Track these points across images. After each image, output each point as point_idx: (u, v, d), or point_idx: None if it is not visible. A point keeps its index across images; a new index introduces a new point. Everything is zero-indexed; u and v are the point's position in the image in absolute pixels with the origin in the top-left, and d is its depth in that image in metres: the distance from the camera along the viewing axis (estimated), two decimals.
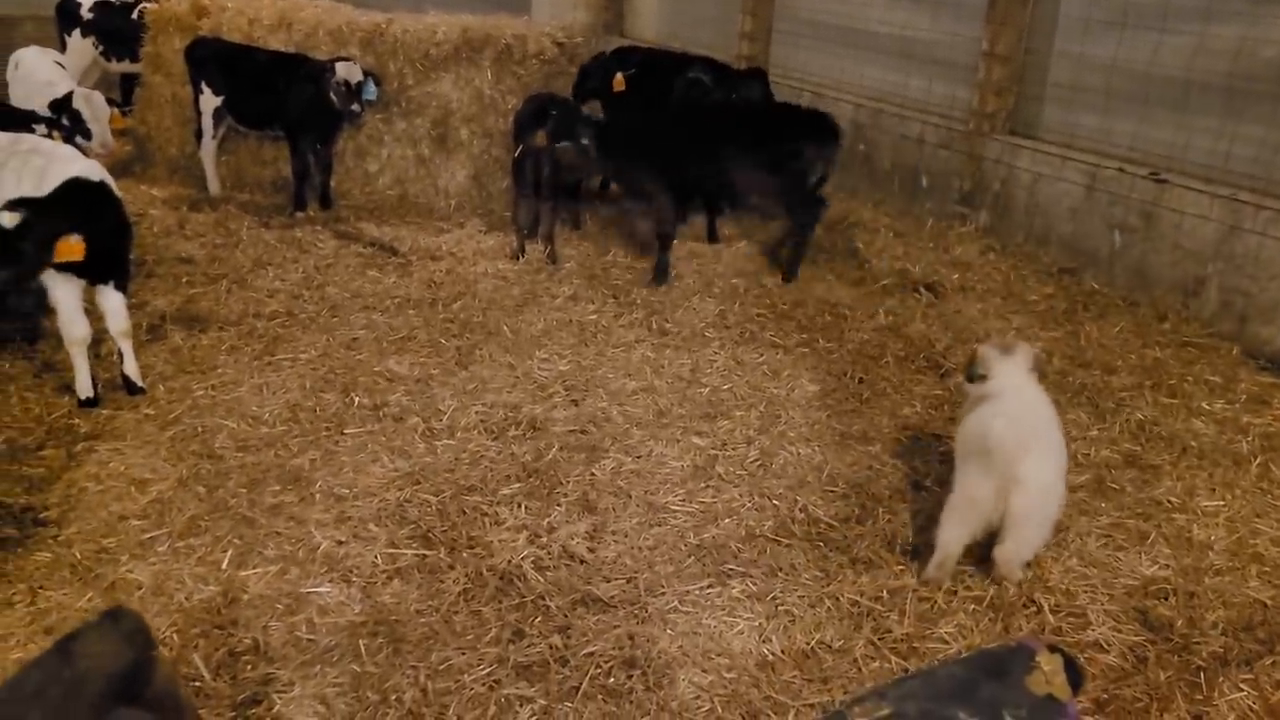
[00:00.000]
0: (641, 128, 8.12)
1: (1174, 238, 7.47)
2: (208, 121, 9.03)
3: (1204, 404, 6.14)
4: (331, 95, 8.30)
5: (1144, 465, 5.49)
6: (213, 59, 8.84)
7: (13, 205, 4.99)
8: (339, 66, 8.32)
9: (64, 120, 7.25)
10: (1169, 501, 5.15)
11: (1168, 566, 4.61)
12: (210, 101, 8.90)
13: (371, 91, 8.47)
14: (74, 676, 2.09)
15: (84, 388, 5.54)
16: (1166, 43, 7.75)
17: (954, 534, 4.33)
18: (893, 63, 10.31)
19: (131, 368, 5.71)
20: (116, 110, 7.59)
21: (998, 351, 4.71)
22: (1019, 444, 4.15)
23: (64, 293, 5.38)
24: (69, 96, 7.41)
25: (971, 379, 4.72)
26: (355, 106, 8.34)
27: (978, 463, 4.24)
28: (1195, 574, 4.58)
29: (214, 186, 9.31)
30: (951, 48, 9.59)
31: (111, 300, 5.58)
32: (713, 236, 8.79)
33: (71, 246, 5.16)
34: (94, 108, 7.40)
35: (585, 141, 7.51)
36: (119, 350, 5.70)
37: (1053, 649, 2.24)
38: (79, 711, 2.04)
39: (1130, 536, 4.84)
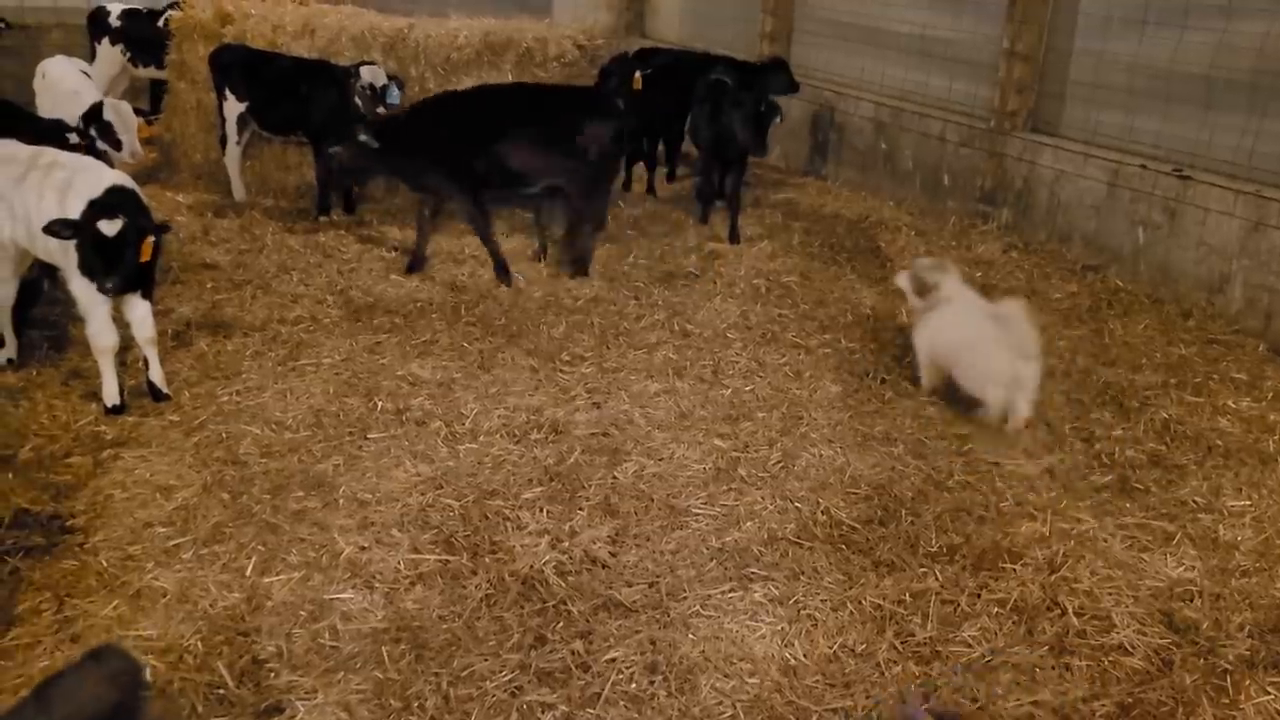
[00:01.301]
0: (418, 120, 7.75)
1: (1198, 234, 7.40)
2: (232, 127, 9.09)
3: (1230, 402, 6.09)
4: (356, 99, 8.34)
5: (1169, 465, 5.44)
6: (236, 65, 8.90)
7: (109, 213, 5.16)
8: (364, 70, 8.36)
9: (92, 131, 7.32)
10: (1195, 502, 5.10)
11: (1193, 568, 4.57)
12: (234, 108, 8.97)
13: (394, 95, 8.51)
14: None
15: (111, 395, 5.60)
16: (1188, 39, 7.68)
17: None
18: (914, 62, 10.28)
19: (157, 374, 5.77)
20: (142, 119, 7.68)
21: (932, 265, 6.17)
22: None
23: (94, 301, 5.44)
24: (99, 107, 7.48)
25: (923, 295, 6.05)
26: (380, 110, 8.34)
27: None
28: (1222, 575, 4.54)
29: (239, 192, 9.38)
30: (972, 46, 9.55)
31: (138, 309, 5.64)
32: (734, 237, 8.77)
33: (149, 247, 5.37)
34: (123, 118, 7.47)
35: (363, 139, 7.40)
36: (144, 357, 5.77)
37: (934, 714, 2.21)
38: None
39: (1155, 537, 4.80)
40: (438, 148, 7.50)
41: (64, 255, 5.37)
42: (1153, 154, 7.93)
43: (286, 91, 8.68)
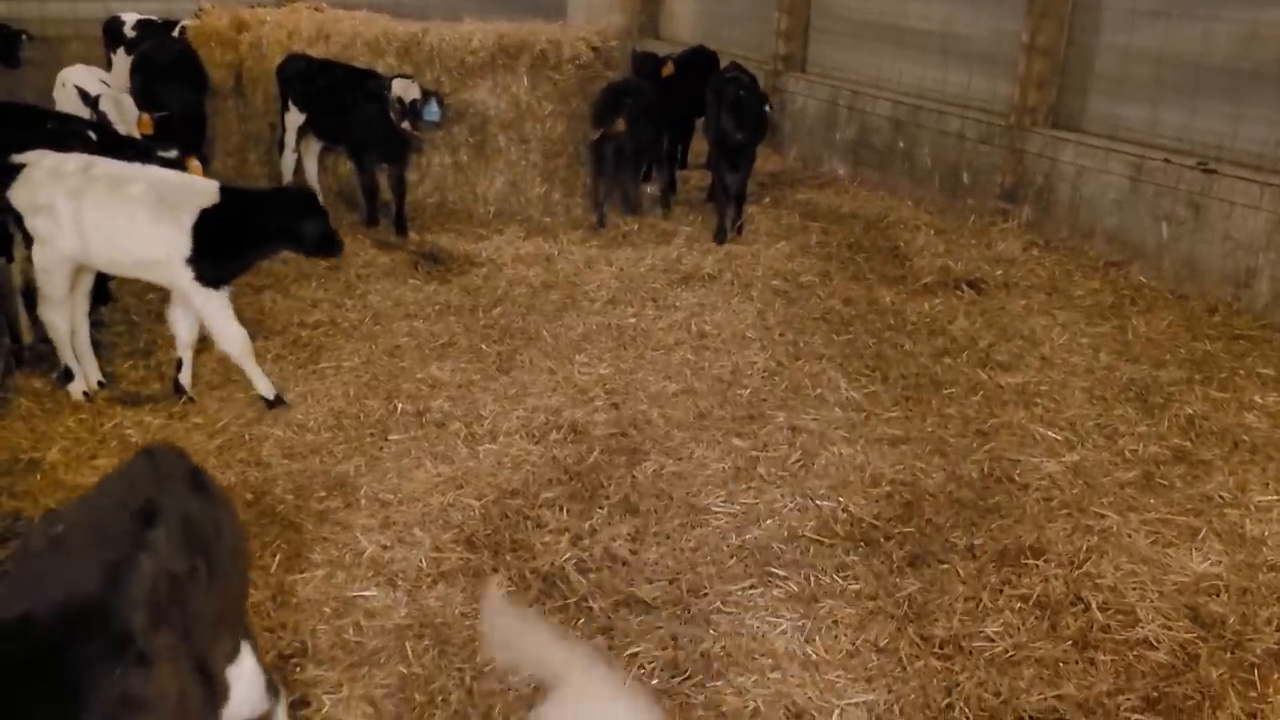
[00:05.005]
0: None
1: (1224, 228, 7.34)
2: (290, 138, 9.09)
3: (1256, 397, 6.04)
4: (391, 113, 8.22)
5: (1194, 461, 5.40)
6: (298, 76, 8.85)
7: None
8: (395, 83, 8.22)
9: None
10: (1220, 497, 5.06)
11: (1220, 563, 4.54)
12: (295, 118, 8.96)
13: (433, 112, 8.36)
14: (164, 468, 2.60)
15: (269, 388, 5.76)
16: (1215, 31, 7.62)
17: None
18: (931, 58, 10.25)
19: (188, 375, 5.84)
20: (146, 116, 7.54)
21: None
22: None
23: (220, 304, 5.49)
24: (96, 99, 7.40)
25: None
26: (405, 124, 8.19)
27: None
28: (1248, 570, 4.50)
29: None
30: (991, 41, 9.52)
31: None
32: (736, 229, 8.92)
33: None
34: (122, 110, 7.38)
35: None
36: (180, 359, 5.81)
37: None
38: (166, 483, 2.51)
39: (1180, 533, 4.76)
40: None
41: (173, 268, 5.36)
42: (1177, 148, 7.87)
43: (334, 102, 8.67)
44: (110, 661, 2.03)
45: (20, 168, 5.39)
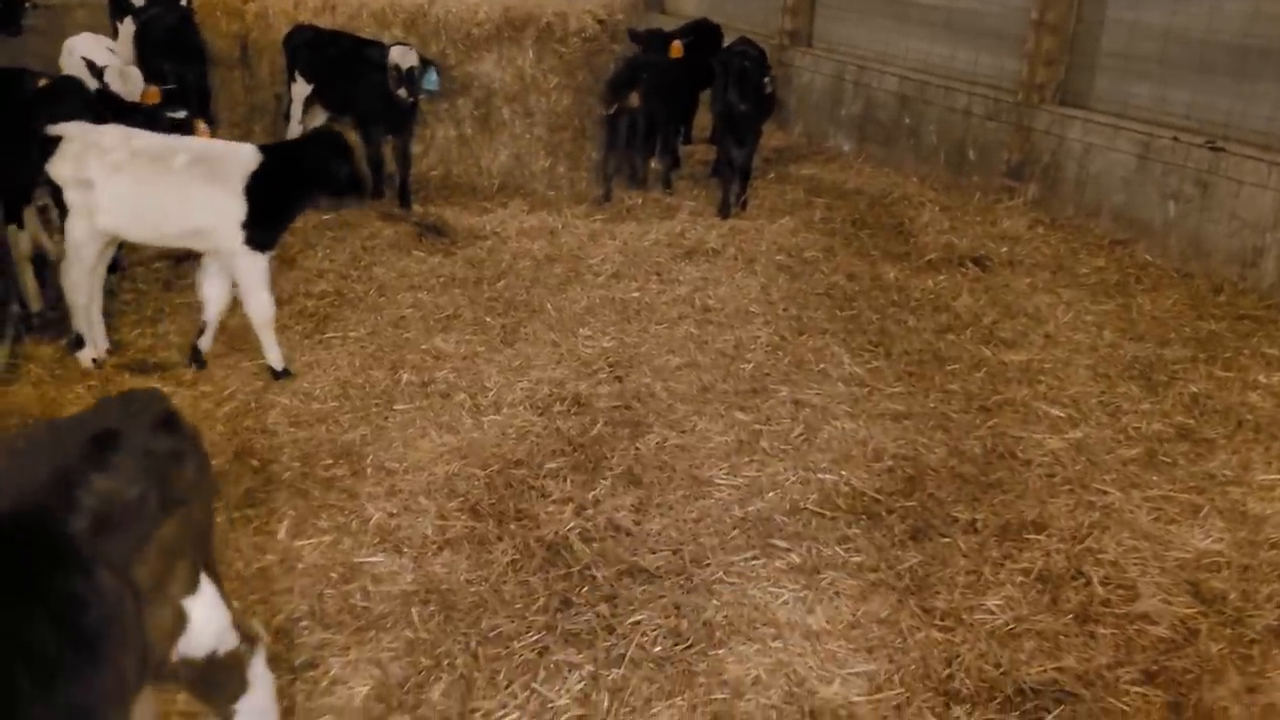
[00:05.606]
0: None
1: (1231, 207, 7.33)
2: (297, 109, 9.03)
3: (1260, 377, 6.04)
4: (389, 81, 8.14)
5: (1197, 439, 5.41)
6: (305, 46, 8.78)
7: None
8: (393, 51, 8.14)
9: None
10: (1223, 475, 5.08)
11: (1221, 540, 4.56)
12: (301, 90, 8.90)
13: (433, 81, 8.30)
14: (135, 407, 2.70)
15: (280, 360, 5.78)
16: (1224, 7, 7.57)
17: None
18: (939, 34, 10.20)
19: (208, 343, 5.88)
20: (154, 88, 7.50)
21: None
22: None
23: (261, 271, 5.52)
24: (102, 70, 7.36)
25: None
26: (402, 91, 8.09)
27: None
28: (1250, 547, 4.52)
29: None
30: (1000, 18, 9.46)
31: None
32: (740, 204, 8.89)
33: None
34: (129, 83, 7.35)
35: None
36: (204, 325, 5.82)
37: None
38: (131, 416, 2.62)
39: (1183, 510, 4.78)
40: None
41: (223, 234, 5.38)
42: (1185, 125, 7.84)
43: (341, 73, 8.60)
44: (56, 562, 2.19)
45: (59, 140, 5.33)
